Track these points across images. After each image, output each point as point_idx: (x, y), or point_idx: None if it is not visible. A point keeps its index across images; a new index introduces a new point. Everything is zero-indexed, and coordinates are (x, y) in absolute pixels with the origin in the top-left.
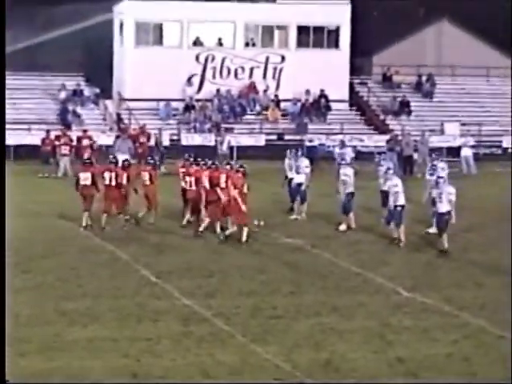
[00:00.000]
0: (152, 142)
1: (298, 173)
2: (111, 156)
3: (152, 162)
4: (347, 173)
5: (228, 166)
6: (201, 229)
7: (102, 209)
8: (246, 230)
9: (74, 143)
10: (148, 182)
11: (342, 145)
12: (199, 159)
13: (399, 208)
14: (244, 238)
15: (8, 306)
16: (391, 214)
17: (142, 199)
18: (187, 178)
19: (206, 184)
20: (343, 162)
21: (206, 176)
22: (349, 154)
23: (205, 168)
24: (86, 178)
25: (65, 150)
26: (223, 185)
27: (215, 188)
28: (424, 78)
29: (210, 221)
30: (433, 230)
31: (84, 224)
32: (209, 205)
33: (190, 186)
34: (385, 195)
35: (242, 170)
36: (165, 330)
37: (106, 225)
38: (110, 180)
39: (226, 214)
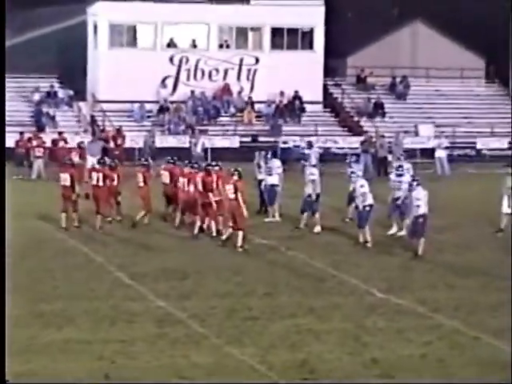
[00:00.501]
0: (127, 144)
1: (270, 174)
2: (99, 157)
3: (146, 163)
4: (314, 172)
5: (217, 168)
6: (195, 231)
7: (94, 210)
8: (241, 233)
9: (47, 145)
10: (142, 184)
11: (309, 145)
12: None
13: (368, 208)
14: (240, 243)
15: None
16: (360, 215)
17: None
18: (181, 180)
19: (200, 186)
20: (307, 164)
21: (200, 178)
22: (314, 154)
23: (197, 170)
24: (65, 178)
25: (39, 152)
26: (215, 186)
27: (208, 190)
28: (398, 80)
29: (202, 222)
30: (393, 230)
31: (63, 225)
32: (202, 207)
33: (183, 186)
34: (352, 196)
35: (237, 172)
36: (139, 331)
37: (92, 224)
38: (98, 180)
39: (218, 214)
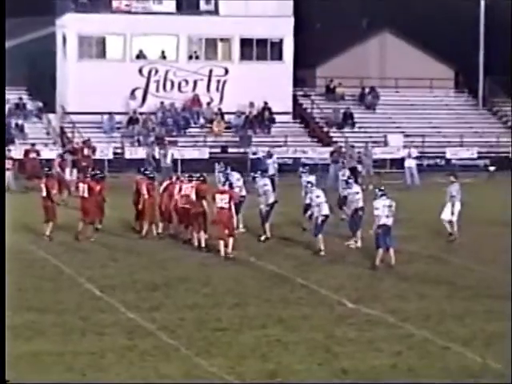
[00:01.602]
0: (97, 156)
1: (231, 188)
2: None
3: (151, 175)
4: (266, 183)
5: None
6: (202, 245)
7: (82, 220)
8: (232, 240)
9: (16, 157)
10: (146, 196)
11: (269, 156)
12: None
13: (322, 218)
14: (231, 250)
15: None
16: (316, 225)
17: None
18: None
19: (193, 196)
20: (257, 175)
21: (193, 188)
22: (272, 165)
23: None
24: (42, 189)
25: (7, 164)
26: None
27: (201, 200)
28: (367, 90)
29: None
30: (353, 242)
31: (47, 234)
32: (194, 216)
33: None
34: (307, 207)
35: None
36: (109, 343)
37: (80, 235)
38: (83, 191)
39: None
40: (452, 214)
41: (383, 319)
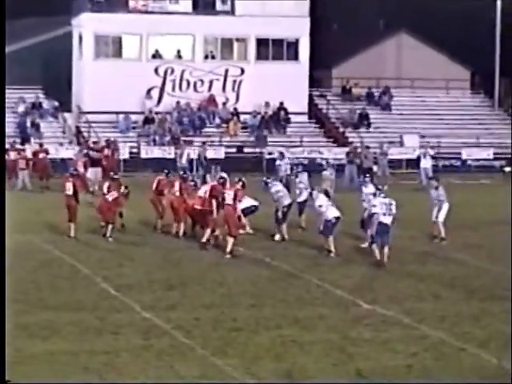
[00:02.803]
0: (121, 156)
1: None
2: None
3: (185, 175)
4: (278, 189)
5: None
6: (203, 240)
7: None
8: (232, 240)
9: (29, 157)
10: (178, 194)
11: (281, 156)
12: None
13: (334, 220)
14: (230, 249)
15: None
16: (327, 226)
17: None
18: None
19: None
20: (269, 181)
21: (210, 188)
22: (284, 165)
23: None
24: (68, 187)
25: (22, 163)
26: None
27: (212, 199)
28: (380, 90)
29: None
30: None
31: (72, 234)
32: (207, 214)
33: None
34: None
35: (241, 182)
36: (125, 343)
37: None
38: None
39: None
40: (436, 217)
41: (399, 320)
